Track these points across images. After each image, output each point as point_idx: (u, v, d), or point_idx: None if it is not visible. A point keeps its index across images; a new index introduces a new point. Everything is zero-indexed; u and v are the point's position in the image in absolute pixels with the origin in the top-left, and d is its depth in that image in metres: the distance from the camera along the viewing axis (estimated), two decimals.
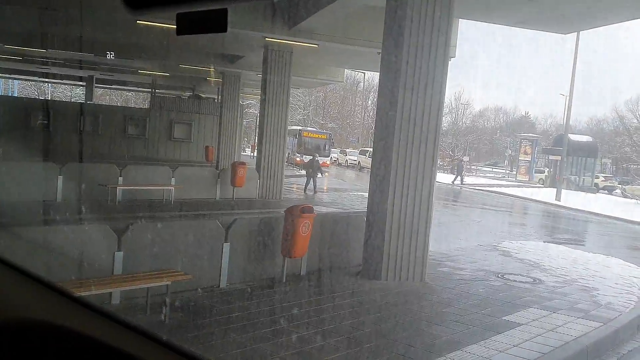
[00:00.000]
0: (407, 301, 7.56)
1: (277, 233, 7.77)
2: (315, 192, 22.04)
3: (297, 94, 57.71)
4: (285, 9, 14.32)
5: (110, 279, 5.91)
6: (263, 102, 17.93)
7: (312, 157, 23.87)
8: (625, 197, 39.78)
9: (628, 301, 8.38)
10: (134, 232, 6.56)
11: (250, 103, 53.22)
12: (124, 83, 40.33)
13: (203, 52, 21.49)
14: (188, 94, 39.16)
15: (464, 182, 38.12)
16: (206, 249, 7.20)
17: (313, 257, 8.35)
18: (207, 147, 29.15)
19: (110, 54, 21.16)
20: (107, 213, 11.93)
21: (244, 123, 46.13)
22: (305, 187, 22.24)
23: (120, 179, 14.21)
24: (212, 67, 24.13)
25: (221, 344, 5.26)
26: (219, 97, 29.02)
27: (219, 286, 7.17)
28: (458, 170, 39.83)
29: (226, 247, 7.22)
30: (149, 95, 38.80)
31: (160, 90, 37.97)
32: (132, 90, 55.32)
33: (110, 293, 6.00)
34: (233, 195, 16.42)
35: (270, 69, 17.33)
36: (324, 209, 15.95)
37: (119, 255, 6.25)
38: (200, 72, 26.67)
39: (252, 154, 41.68)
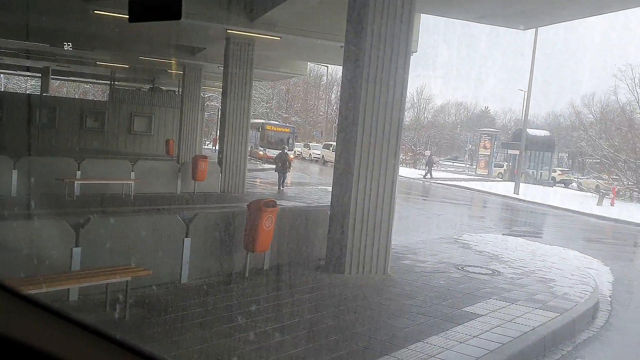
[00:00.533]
0: (369, 294, 7.59)
1: (239, 227, 7.70)
2: (282, 188, 21.16)
3: (259, 87, 57.41)
4: (247, 1, 14.17)
5: (67, 276, 5.75)
6: (225, 94, 17.73)
7: (280, 150, 23.29)
8: (581, 190, 40.94)
9: (583, 292, 8.61)
10: (92, 227, 6.40)
11: (212, 96, 52.65)
12: (81, 75, 39.34)
13: (164, 44, 21.11)
14: (148, 86, 38.50)
15: (432, 177, 38.76)
16: (167, 244, 7.08)
17: (276, 252, 8.31)
18: (167, 140, 28.76)
19: (68, 45, 20.58)
20: (64, 208, 11.62)
21: (205, 116, 45.63)
22: (279, 183, 21.22)
23: (78, 173, 13.86)
24: (173, 59, 23.74)
25: (182, 340, 5.18)
26: (180, 89, 28.62)
27: (180, 282, 7.07)
28: (428, 164, 40.64)
29: (187, 242, 7.12)
30: (108, 87, 37.98)
31: (120, 83, 37.22)
32: (91, 83, 54.05)
33: (68, 290, 5.85)
34: (194, 189, 16.22)
35: (232, 62, 17.15)
36: (287, 203, 15.91)
37: (77, 251, 6.09)
38: (161, 64, 26.22)
39: (214, 147, 41.31)
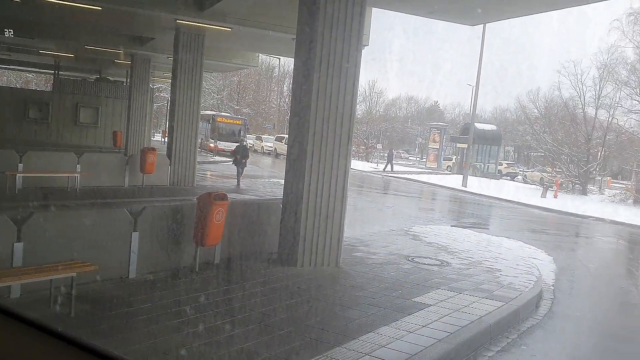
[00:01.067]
0: (321, 286, 7.63)
1: (189, 221, 7.59)
2: (238, 183, 19.72)
3: (210, 78, 56.62)
4: None
5: (7, 272, 5.54)
6: (174, 86, 17.40)
7: (238, 143, 22.44)
8: (526, 182, 42.22)
9: (528, 281, 8.89)
10: (35, 221, 6.17)
11: (162, 87, 51.60)
12: (24, 63, 37.85)
13: (111, 33, 20.52)
14: (95, 76, 37.42)
15: (393, 170, 39.41)
16: (114, 239, 6.90)
17: (227, 245, 8.23)
18: (115, 132, 28.04)
19: (9, 32, 19.73)
20: (5, 202, 11.19)
21: (154, 107, 44.73)
22: (239, 178, 19.89)
23: (20, 165, 13.34)
24: (121, 49, 23.11)
25: (130, 336, 5.08)
26: (128, 80, 27.92)
27: (128, 276, 6.91)
28: (389, 158, 41.56)
29: (135, 236, 6.96)
30: (52, 77, 36.70)
31: (65, 72, 36.00)
32: (33, 72, 52.13)
33: (10, 287, 5.63)
34: (143, 182, 15.89)
35: (182, 52, 16.85)
36: (239, 196, 15.78)
37: (19, 246, 5.86)
38: (108, 54, 25.48)
39: (163, 139, 40.57)
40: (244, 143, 21.66)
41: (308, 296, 7.10)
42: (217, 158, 34.91)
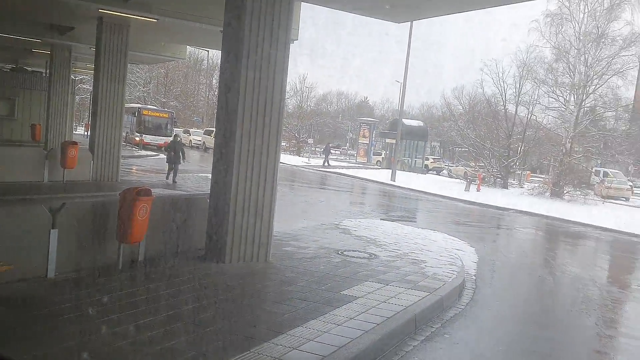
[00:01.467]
0: (250, 282, 7.57)
1: (112, 217, 7.33)
2: (175, 182, 18.58)
3: (136, 70, 54.98)
4: None
5: None
6: (97, 77, 16.74)
7: (167, 136, 21.36)
8: (451, 177, 43.61)
9: (451, 272, 9.18)
10: None
11: (85, 78, 49.61)
12: None
13: (28, 22, 19.47)
14: (10, 66, 35.45)
15: (329, 164, 39.95)
16: (31, 237, 6.57)
17: (153, 242, 8.01)
18: (34, 125, 26.74)
19: None
20: None
21: (77, 100, 42.96)
22: (168, 175, 18.99)
23: None
24: (39, 38, 21.97)
25: (48, 338, 4.85)
26: (48, 71, 26.62)
27: (47, 276, 6.60)
28: (325, 153, 42.77)
29: (54, 233, 6.64)
30: None
31: None
32: None
33: None
34: (63, 177, 15.25)
35: (105, 43, 16.25)
36: (165, 192, 15.41)
37: None
38: (25, 43, 24.17)
39: (86, 133, 39.13)
40: (179, 139, 19.93)
41: (236, 292, 7.03)
42: (143, 152, 33.98)
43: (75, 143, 16.20)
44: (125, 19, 15.24)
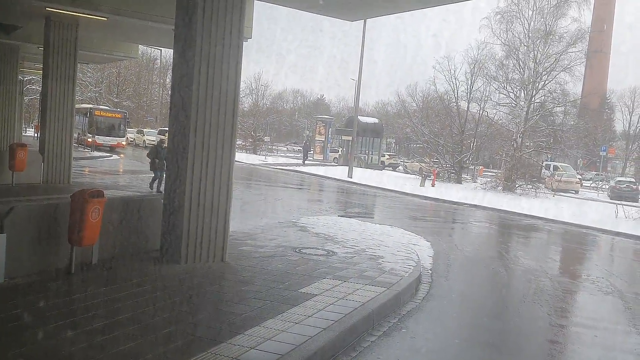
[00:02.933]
0: (206, 283, 7.50)
1: (63, 220, 7.15)
2: (160, 191, 15.71)
3: (87, 70, 53.69)
4: None
5: None
6: (46, 78, 16.28)
7: (158, 142, 17.71)
8: (407, 172, 44.18)
9: (407, 267, 9.31)
10: None
11: (34, 79, 48.12)
12: None
13: None
14: None
15: (306, 162, 40.87)
16: None
17: (106, 244, 7.86)
18: None
19: None
20: None
21: (26, 100, 41.67)
22: (152, 184, 17.07)
23: None
24: None
25: None
26: None
27: None
28: (304, 151, 45.84)
29: (2, 238, 6.43)
30: None
31: None
32: None
33: None
34: (12, 180, 14.79)
35: (54, 42, 15.84)
36: (118, 193, 15.10)
37: None
38: None
39: (36, 134, 38.05)
40: (164, 145, 16.40)
41: (192, 293, 6.95)
42: (96, 153, 33.23)
43: (24, 145, 15.74)
44: (73, 17, 14.86)
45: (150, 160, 16.95)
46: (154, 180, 17.05)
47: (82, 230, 6.97)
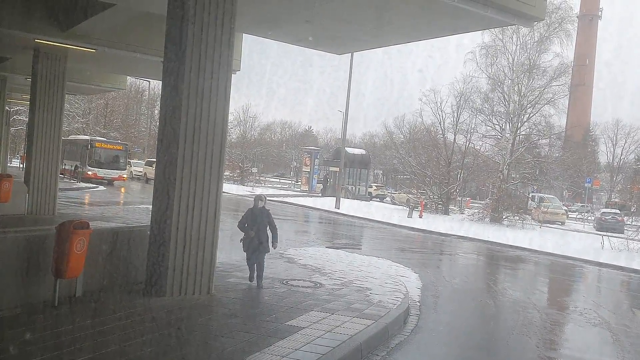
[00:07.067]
0: (191, 315, 7.40)
1: (48, 252, 7.06)
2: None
3: (74, 101, 53.57)
4: (60, 10, 13.19)
5: None
6: (33, 109, 16.27)
7: (255, 199, 10.17)
8: (394, 204, 44.27)
9: (396, 299, 9.26)
10: None
11: (21, 110, 47.95)
12: None
13: None
14: None
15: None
16: None
17: (91, 276, 7.75)
18: None
19: None
20: None
21: (12, 131, 41.46)
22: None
23: None
24: None
25: None
26: None
27: None
28: (324, 183, 46.90)
29: None
30: None
31: None
32: None
33: None
34: None
35: (41, 73, 15.87)
36: (104, 224, 14.95)
37: None
38: None
39: (22, 165, 37.67)
40: (264, 203, 10.44)
41: (177, 327, 6.85)
42: (82, 184, 32.89)
43: (9, 176, 15.62)
44: (62, 49, 14.93)
45: (246, 234, 9.82)
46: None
47: (66, 262, 6.87)
